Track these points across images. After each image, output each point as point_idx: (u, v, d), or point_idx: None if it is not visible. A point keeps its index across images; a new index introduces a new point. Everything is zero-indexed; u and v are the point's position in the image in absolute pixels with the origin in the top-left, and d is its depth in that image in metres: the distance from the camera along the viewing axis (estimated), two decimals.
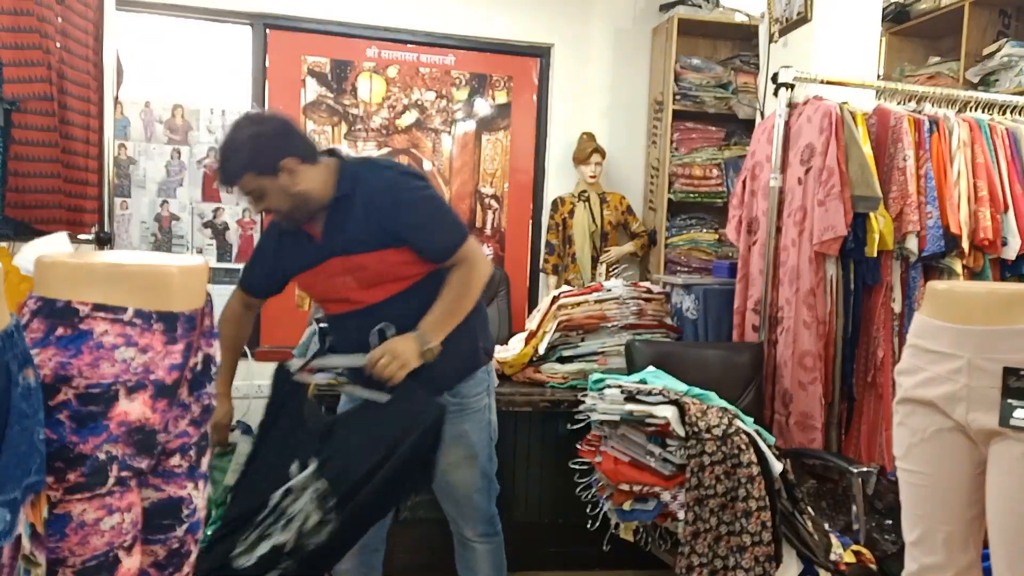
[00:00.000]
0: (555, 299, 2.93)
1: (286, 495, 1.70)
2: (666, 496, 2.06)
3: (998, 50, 3.32)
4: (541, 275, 4.23)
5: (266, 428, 1.88)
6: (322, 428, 1.81)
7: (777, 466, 2.09)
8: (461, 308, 1.88)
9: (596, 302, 2.90)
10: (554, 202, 4.12)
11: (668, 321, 3.00)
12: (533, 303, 4.28)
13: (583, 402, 2.35)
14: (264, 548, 1.65)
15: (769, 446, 2.13)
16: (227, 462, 2.08)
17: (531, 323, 2.99)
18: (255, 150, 1.77)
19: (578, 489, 2.38)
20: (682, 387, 2.27)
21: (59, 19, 2.25)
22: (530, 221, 4.35)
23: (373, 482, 1.69)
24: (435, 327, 1.84)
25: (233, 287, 2.14)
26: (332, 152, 1.95)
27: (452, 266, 1.89)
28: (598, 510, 2.29)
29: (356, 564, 2.03)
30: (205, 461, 1.36)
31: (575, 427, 2.38)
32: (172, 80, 3.85)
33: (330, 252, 1.89)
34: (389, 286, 1.88)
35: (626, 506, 2.15)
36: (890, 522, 2.51)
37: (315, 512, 1.68)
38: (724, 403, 2.26)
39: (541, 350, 2.83)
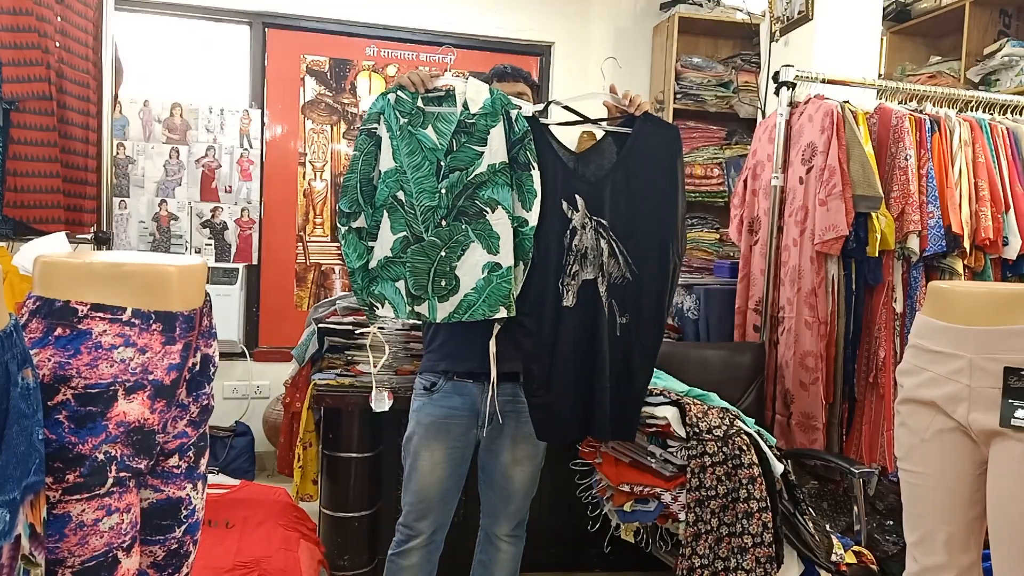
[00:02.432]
0: None
1: (572, 235, 1.86)
2: (667, 497, 2.06)
3: (999, 50, 3.31)
4: None
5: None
6: (586, 173, 1.90)
7: (778, 467, 2.08)
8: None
9: None
10: None
11: (669, 321, 3.00)
12: None
13: None
14: (577, 284, 1.88)
15: (770, 447, 2.12)
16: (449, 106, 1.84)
17: None
18: (536, 83, 2.20)
19: (578, 490, 2.37)
20: (683, 388, 2.27)
21: (58, 19, 2.25)
22: None
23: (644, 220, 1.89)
24: None
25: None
26: None
27: None
28: (599, 511, 2.29)
29: (421, 560, 2.04)
30: (204, 462, 1.36)
31: None
32: (171, 79, 3.85)
33: None
34: None
35: (627, 507, 2.14)
36: (891, 523, 2.51)
37: (604, 242, 1.87)
38: (725, 404, 2.25)
39: None
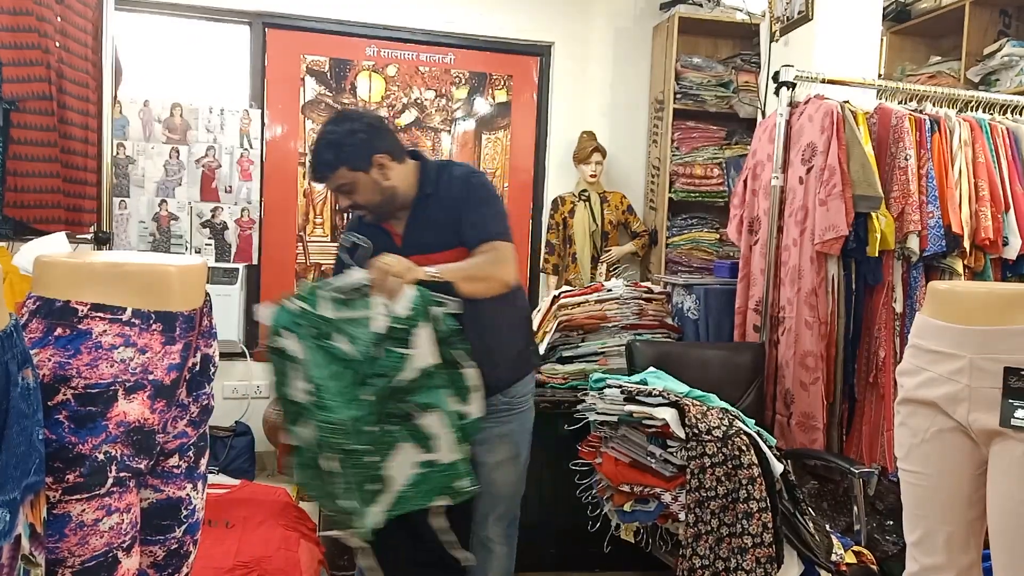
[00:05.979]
0: (555, 299, 2.92)
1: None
2: (667, 497, 2.06)
3: (999, 50, 3.31)
4: (541, 275, 4.22)
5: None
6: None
7: (778, 467, 2.09)
8: (476, 276, 1.82)
9: (597, 302, 2.89)
10: (554, 201, 4.11)
11: (669, 321, 3.00)
12: (533, 303, 4.25)
13: (583, 402, 2.35)
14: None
15: (770, 447, 2.12)
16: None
17: None
18: (351, 145, 1.85)
19: (579, 490, 2.37)
20: (683, 388, 2.27)
21: (58, 19, 2.24)
22: (530, 221, 4.34)
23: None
24: (446, 270, 1.78)
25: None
26: (414, 153, 2.02)
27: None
28: (599, 511, 2.29)
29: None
30: (204, 462, 1.36)
31: (573, 428, 2.37)
32: (171, 79, 3.84)
33: (411, 250, 1.88)
34: None
35: (627, 507, 2.14)
36: (891, 523, 2.51)
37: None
38: (725, 405, 2.25)
39: (541, 350, 2.82)
